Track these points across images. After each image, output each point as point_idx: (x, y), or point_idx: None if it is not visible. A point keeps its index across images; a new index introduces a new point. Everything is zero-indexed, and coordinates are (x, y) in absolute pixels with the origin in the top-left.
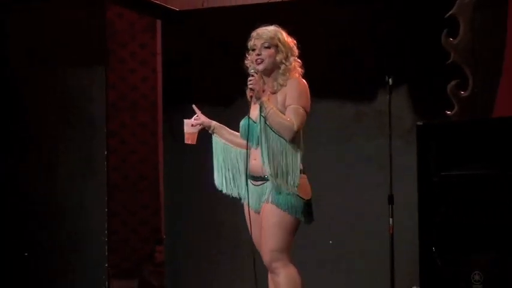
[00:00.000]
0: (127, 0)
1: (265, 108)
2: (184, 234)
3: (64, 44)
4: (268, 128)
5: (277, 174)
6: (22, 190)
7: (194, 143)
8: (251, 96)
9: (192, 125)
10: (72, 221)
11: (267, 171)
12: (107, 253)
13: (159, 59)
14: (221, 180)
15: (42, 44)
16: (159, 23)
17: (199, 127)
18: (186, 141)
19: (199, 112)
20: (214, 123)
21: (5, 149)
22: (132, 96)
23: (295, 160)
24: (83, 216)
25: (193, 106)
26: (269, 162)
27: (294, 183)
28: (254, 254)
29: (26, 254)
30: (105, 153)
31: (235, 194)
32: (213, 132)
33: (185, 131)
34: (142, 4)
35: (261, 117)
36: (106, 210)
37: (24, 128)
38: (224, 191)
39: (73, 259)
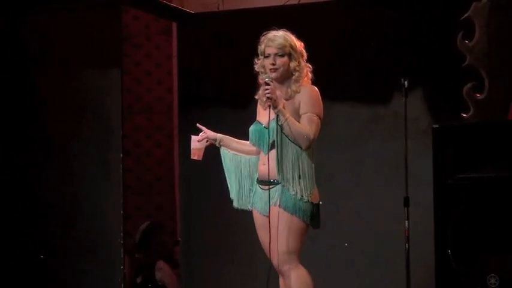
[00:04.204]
0: (143, 3)
1: (283, 117)
2: (200, 236)
3: (80, 46)
4: (284, 135)
5: (293, 179)
6: (37, 192)
7: (200, 158)
8: (269, 106)
9: (198, 141)
10: (88, 223)
11: (282, 176)
12: (122, 255)
13: (174, 62)
14: (236, 194)
15: (58, 47)
16: (174, 25)
17: (206, 143)
18: (192, 157)
19: (205, 128)
20: (219, 135)
21: (21, 151)
22: (147, 99)
23: (310, 166)
24: (98, 218)
25: (198, 125)
26: (285, 168)
27: (309, 189)
28: (270, 268)
29: (42, 256)
30: (121, 155)
31: (243, 207)
32: (220, 145)
33: (192, 146)
34: (158, 7)
35: (278, 125)
36: (122, 212)
37: (40, 130)
38: (236, 206)
39: (89, 261)
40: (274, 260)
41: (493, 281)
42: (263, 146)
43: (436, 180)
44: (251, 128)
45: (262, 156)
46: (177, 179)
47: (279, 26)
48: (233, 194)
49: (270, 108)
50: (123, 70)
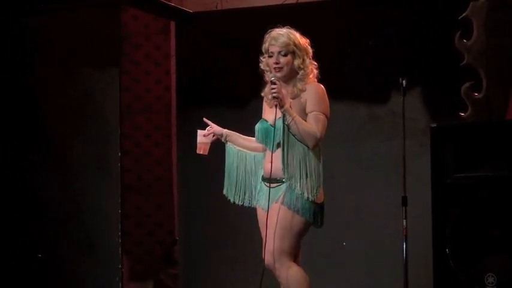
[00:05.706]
0: (142, 3)
1: (289, 116)
2: (199, 235)
3: (80, 46)
4: (291, 134)
5: (300, 178)
6: (36, 192)
7: (206, 153)
8: (276, 105)
9: (204, 135)
10: (86, 223)
11: (289, 175)
12: (121, 255)
13: (172, 61)
14: (232, 190)
15: (58, 46)
16: (173, 24)
17: (212, 137)
18: (198, 151)
19: (211, 123)
20: (225, 131)
21: (21, 151)
22: (147, 99)
23: (316, 165)
24: (96, 217)
25: (205, 119)
26: (292, 167)
27: (315, 188)
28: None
29: (40, 255)
30: (119, 155)
31: (245, 203)
32: (226, 141)
33: (198, 140)
34: (157, 6)
35: (284, 125)
36: (119, 211)
37: (40, 130)
38: (232, 200)
39: (87, 260)
40: (268, 256)
41: (490, 280)
42: (269, 144)
43: (435, 180)
44: (257, 126)
45: (269, 154)
46: (175, 179)
47: (277, 25)
48: (229, 190)
49: (276, 107)
50: (122, 70)
